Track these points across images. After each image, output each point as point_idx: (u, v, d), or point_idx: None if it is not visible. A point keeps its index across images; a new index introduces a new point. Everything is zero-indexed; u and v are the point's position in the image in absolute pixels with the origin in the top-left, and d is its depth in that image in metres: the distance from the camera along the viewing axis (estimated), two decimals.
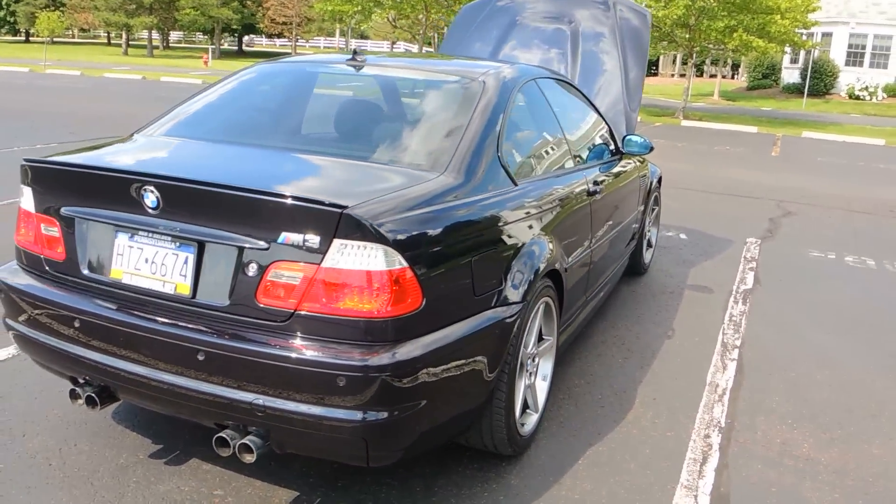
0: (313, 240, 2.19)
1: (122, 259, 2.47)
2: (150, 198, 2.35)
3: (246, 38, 58.80)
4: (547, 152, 3.48)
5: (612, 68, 5.39)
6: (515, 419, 2.85)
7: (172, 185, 2.35)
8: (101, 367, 2.49)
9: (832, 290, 5.75)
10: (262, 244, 2.24)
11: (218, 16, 47.72)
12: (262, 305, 2.27)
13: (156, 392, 2.42)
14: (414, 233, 2.30)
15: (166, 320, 2.38)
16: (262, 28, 53.20)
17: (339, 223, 2.16)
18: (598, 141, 4.35)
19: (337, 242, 2.18)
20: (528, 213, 2.96)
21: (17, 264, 2.83)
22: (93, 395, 2.56)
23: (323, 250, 2.19)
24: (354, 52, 3.37)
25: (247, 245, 2.26)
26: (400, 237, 2.23)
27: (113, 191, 2.47)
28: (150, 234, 2.42)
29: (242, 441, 2.31)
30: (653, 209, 5.81)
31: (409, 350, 2.23)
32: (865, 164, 14.10)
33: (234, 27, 51.53)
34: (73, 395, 2.62)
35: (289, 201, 2.22)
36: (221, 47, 50.90)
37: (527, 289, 2.77)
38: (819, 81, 30.69)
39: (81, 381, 2.63)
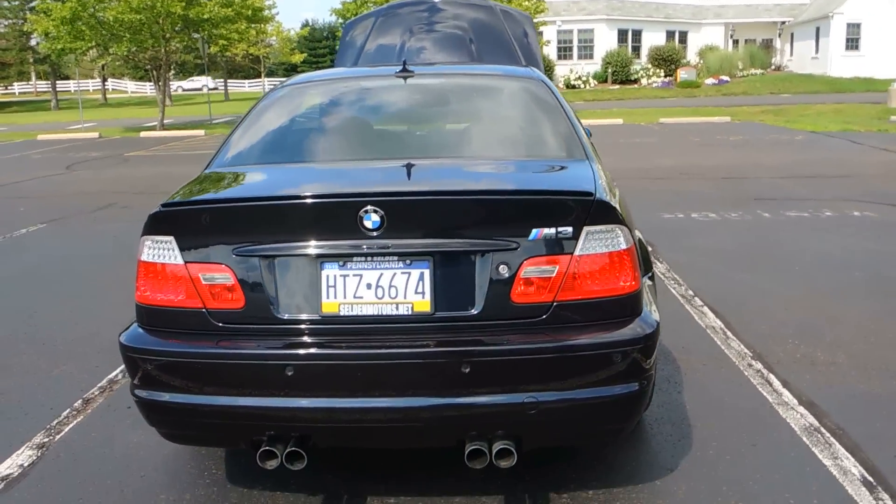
0: (566, 231, 2.31)
1: (335, 291, 2.36)
2: (373, 218, 2.27)
3: None
4: None
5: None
6: None
7: (400, 202, 2.33)
8: (311, 414, 2.36)
9: (708, 240, 6.71)
10: (511, 244, 2.31)
11: None
12: (518, 304, 2.34)
13: (393, 422, 2.37)
14: (623, 212, 2.51)
15: (410, 342, 2.33)
16: None
17: (591, 210, 2.32)
18: None
19: (586, 229, 2.33)
20: None
21: (143, 328, 2.53)
22: (296, 449, 2.33)
23: (575, 238, 2.32)
24: (405, 64, 3.40)
25: (493, 248, 2.32)
26: (624, 217, 2.45)
27: (316, 219, 2.38)
28: (369, 258, 2.35)
29: (502, 446, 2.29)
30: None
31: (650, 320, 2.45)
32: (625, 140, 16.11)
33: None
34: (267, 457, 2.35)
35: (540, 197, 2.33)
36: None
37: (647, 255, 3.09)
38: None
39: (264, 439, 2.37)
